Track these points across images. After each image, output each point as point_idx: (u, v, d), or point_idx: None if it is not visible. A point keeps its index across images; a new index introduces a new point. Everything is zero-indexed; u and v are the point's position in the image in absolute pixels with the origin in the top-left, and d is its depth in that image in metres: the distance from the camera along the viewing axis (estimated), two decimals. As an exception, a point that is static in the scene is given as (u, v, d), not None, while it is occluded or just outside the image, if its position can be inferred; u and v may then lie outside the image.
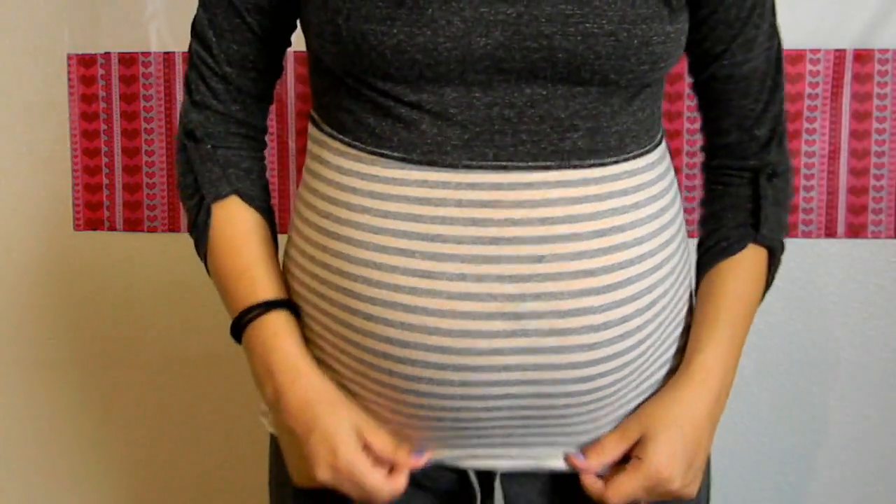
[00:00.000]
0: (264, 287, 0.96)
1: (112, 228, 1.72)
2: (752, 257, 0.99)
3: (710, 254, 1.00)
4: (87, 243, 1.74)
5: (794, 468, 1.64)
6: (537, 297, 0.85)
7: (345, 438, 0.90)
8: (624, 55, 0.85)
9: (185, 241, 1.70)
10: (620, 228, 0.87)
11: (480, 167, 0.87)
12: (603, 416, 0.93)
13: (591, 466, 0.93)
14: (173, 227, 1.70)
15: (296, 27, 1.00)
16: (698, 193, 1.08)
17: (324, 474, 0.90)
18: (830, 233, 1.54)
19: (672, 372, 0.97)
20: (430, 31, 0.84)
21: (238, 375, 1.74)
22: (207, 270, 1.01)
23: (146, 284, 1.74)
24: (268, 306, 0.95)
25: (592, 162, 0.88)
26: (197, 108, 1.00)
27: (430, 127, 0.87)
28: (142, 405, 1.78)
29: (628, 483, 0.91)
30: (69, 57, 1.68)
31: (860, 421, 1.62)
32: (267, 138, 1.05)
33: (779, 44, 1.00)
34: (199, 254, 1.02)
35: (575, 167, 0.88)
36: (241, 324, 0.95)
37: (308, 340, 0.96)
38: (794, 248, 1.50)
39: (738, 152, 1.01)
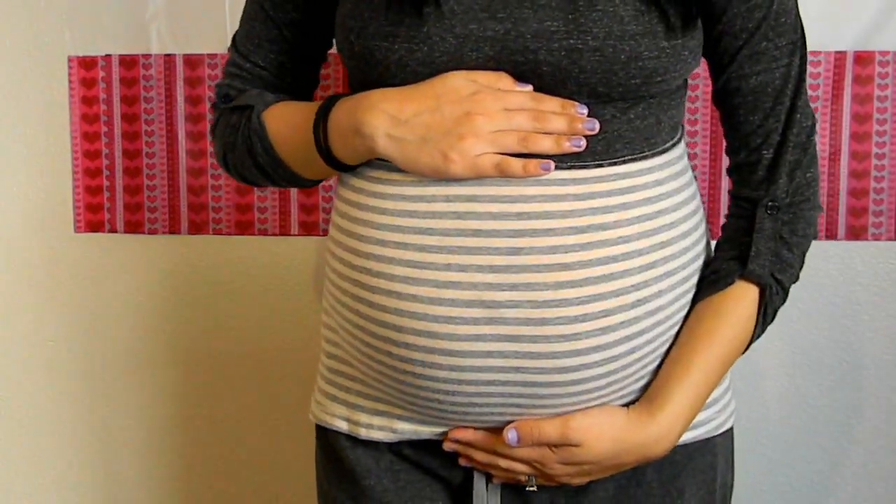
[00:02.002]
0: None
1: (113, 230, 1.72)
2: (739, 295, 0.97)
3: (702, 285, 0.99)
4: (87, 245, 1.74)
5: (793, 468, 1.64)
6: (514, 286, 0.89)
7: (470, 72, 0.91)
8: (610, 69, 0.89)
9: (185, 242, 1.71)
10: (602, 226, 0.90)
11: None
12: None
13: (524, 443, 0.94)
14: (174, 230, 1.70)
15: (331, 44, 1.05)
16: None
17: (467, 87, 0.90)
18: (830, 235, 1.54)
19: None
20: (427, 46, 0.91)
21: (239, 375, 1.74)
22: (275, 167, 1.04)
23: (147, 286, 1.74)
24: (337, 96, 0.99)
25: (572, 163, 0.91)
26: (229, 94, 1.07)
27: None
28: (142, 406, 1.78)
29: (542, 425, 0.93)
30: (70, 59, 1.68)
31: (862, 423, 1.62)
32: None
33: (801, 64, 0.97)
34: (256, 162, 1.04)
35: (555, 167, 0.91)
36: (325, 113, 0.97)
37: (327, 328, 1.04)
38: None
39: (745, 175, 1.00)
